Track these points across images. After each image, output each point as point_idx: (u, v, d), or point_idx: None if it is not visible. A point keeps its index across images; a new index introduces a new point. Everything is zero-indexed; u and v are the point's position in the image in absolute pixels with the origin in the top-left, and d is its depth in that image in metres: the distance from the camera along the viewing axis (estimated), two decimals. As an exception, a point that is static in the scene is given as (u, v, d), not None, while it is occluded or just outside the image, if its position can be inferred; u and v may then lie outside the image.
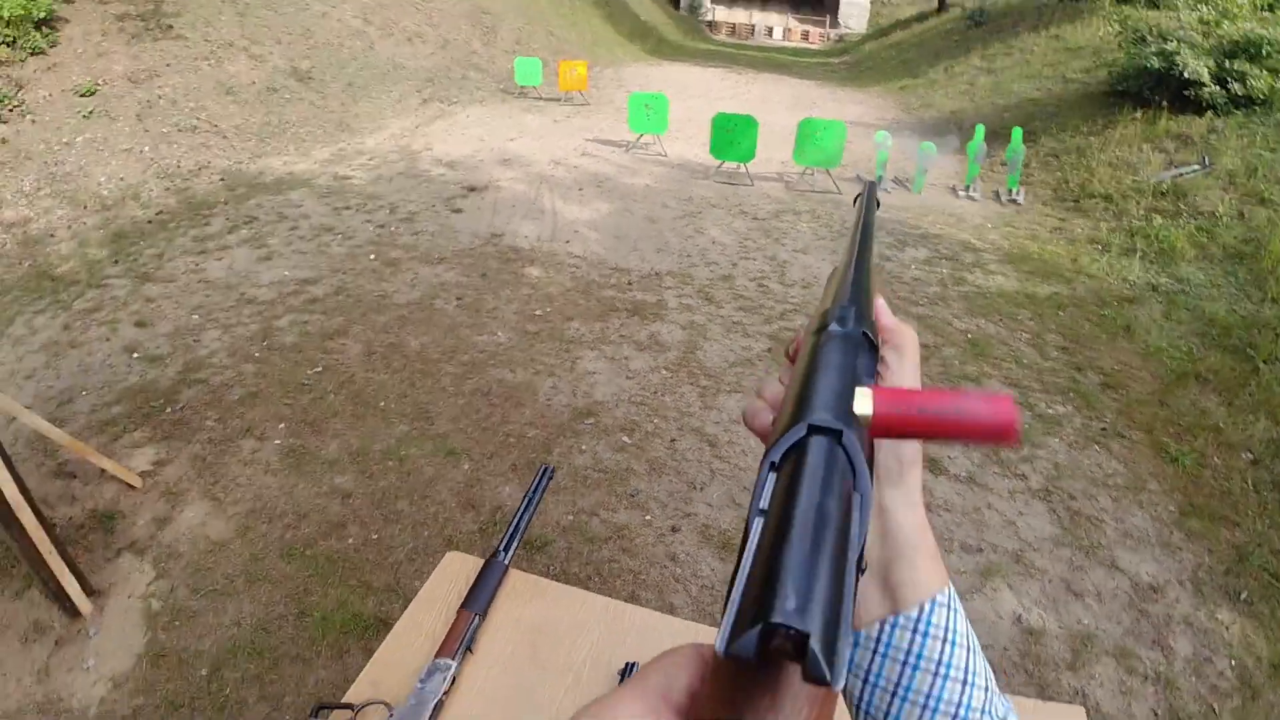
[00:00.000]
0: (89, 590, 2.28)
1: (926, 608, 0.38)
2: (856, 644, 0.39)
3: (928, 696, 0.37)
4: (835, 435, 0.25)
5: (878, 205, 0.57)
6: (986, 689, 0.39)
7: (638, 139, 8.70)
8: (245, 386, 3.42)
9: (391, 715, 0.98)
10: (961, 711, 0.37)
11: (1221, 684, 2.43)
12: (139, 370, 3.52)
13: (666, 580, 2.53)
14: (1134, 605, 2.69)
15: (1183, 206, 6.51)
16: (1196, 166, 7.11)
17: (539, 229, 5.74)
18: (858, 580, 0.23)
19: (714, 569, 2.60)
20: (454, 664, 1.04)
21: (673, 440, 3.30)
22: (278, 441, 3.06)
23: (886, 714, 0.38)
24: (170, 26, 7.72)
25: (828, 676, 0.18)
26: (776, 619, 0.18)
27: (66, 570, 2.17)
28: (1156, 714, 2.30)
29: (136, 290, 4.29)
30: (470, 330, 4.08)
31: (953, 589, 0.40)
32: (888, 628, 0.38)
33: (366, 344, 3.85)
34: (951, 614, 0.39)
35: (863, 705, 0.39)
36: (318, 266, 4.71)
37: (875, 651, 0.38)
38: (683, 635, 1.14)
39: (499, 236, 5.50)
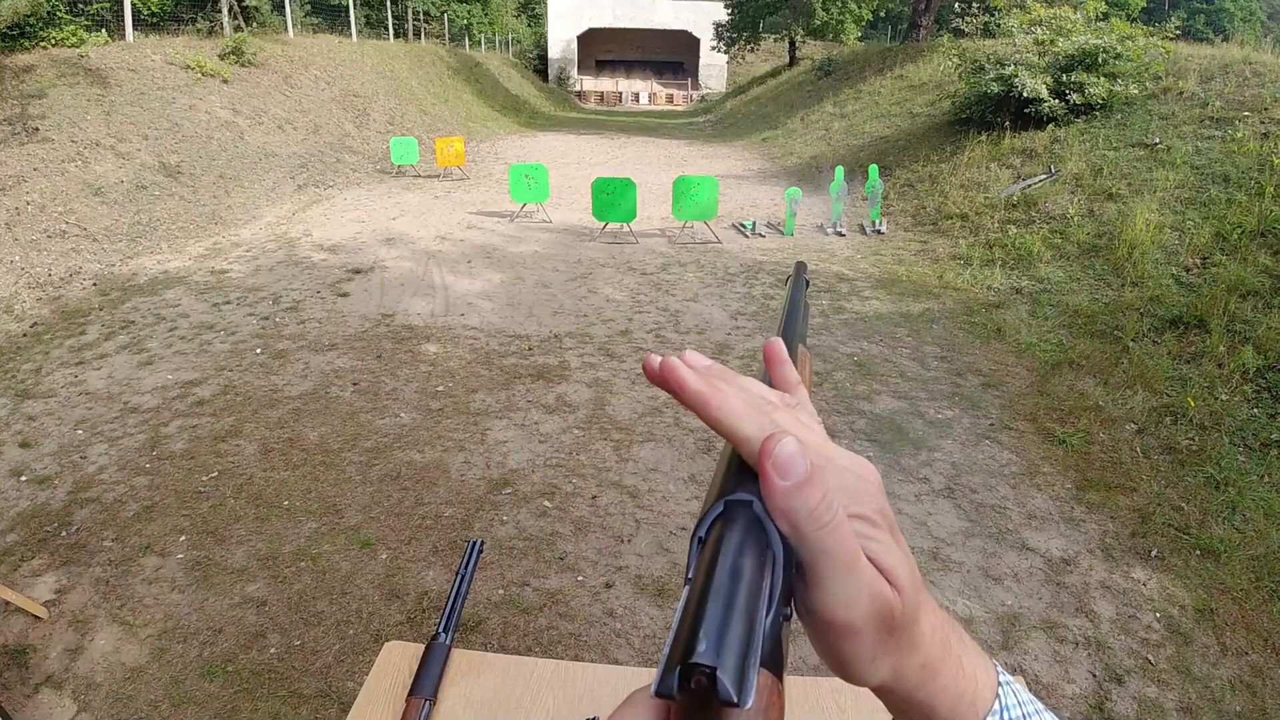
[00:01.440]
0: (13, 733, 2.10)
1: (1001, 696, 0.36)
2: None
3: None
4: (747, 505, 0.28)
5: (807, 285, 0.59)
6: None
7: (521, 208, 8.82)
8: (139, 501, 3.17)
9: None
10: None
11: (1151, 636, 2.61)
12: (28, 494, 3.22)
13: (608, 637, 2.50)
14: (1051, 580, 2.87)
15: (1035, 214, 7.20)
16: (1043, 176, 7.87)
17: (431, 305, 5.68)
18: (782, 622, 0.27)
19: (653, 617, 2.60)
20: (408, 754, 1.01)
21: (594, 497, 3.29)
22: (180, 555, 2.85)
23: None
24: (36, 129, 7.33)
25: (734, 698, 0.22)
26: (692, 660, 0.22)
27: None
28: (1094, 675, 2.44)
29: (17, 409, 3.94)
30: (371, 415, 3.96)
31: (1000, 669, 0.38)
32: None
33: (262, 442, 3.66)
34: (1012, 689, 0.37)
35: None
36: (201, 367, 4.47)
37: None
38: (635, 682, 1.15)
39: (390, 316, 5.40)
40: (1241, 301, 4.70)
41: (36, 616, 2.51)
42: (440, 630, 1.22)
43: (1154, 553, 3.03)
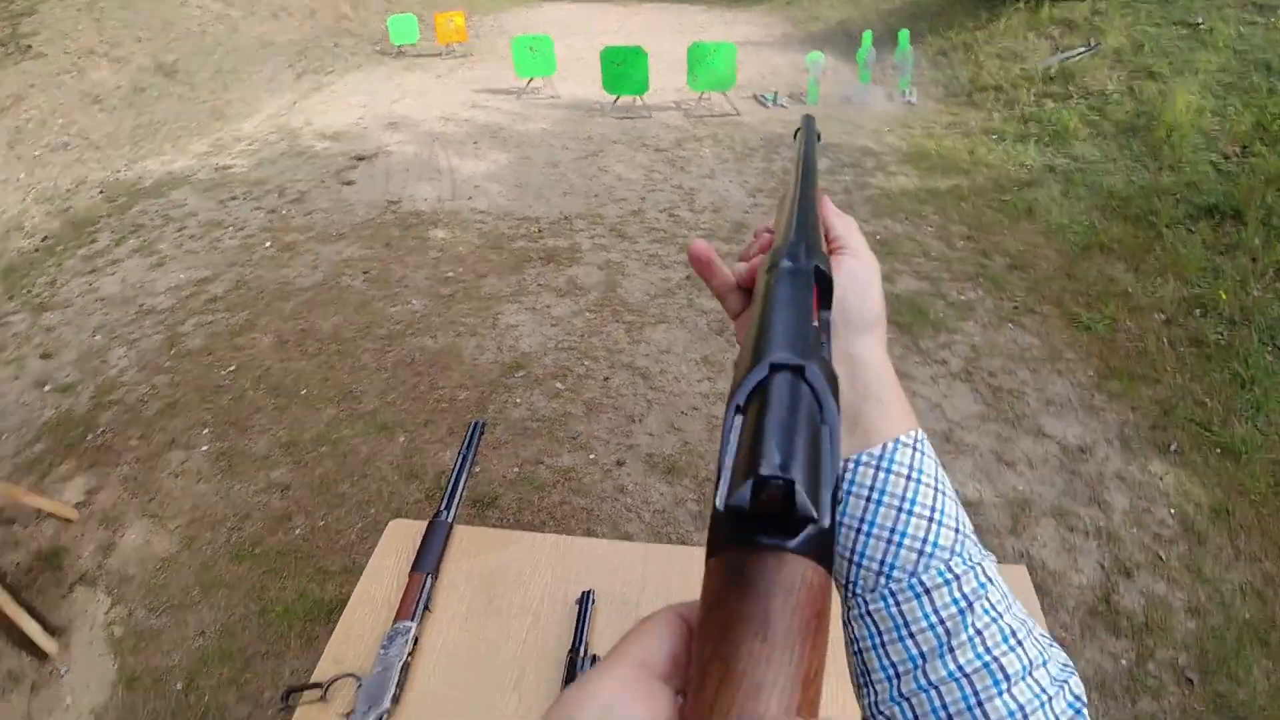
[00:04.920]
0: (51, 630, 2.25)
1: (890, 445, 0.38)
2: None
3: (891, 531, 0.37)
4: (798, 371, 0.25)
5: (818, 138, 0.56)
6: (958, 531, 0.38)
7: (527, 84, 8.42)
8: (161, 399, 3.24)
9: (360, 685, 0.97)
10: (927, 548, 0.37)
11: (1164, 531, 2.59)
12: (53, 402, 3.30)
13: (619, 512, 2.57)
14: (1065, 468, 2.84)
15: (1072, 89, 6.75)
16: (1083, 49, 7.34)
17: (438, 189, 5.54)
18: (835, 502, 0.24)
19: (663, 494, 2.65)
20: (413, 625, 1.03)
21: (605, 379, 3.30)
22: (205, 448, 2.93)
23: (853, 550, 0.38)
24: (29, 46, 7.15)
25: (814, 513, 0.20)
26: (764, 471, 0.21)
27: (25, 615, 2.16)
28: (1103, 566, 2.44)
29: (35, 322, 3.99)
30: (383, 303, 3.94)
31: (923, 435, 0.40)
32: (852, 464, 0.38)
33: (277, 334, 3.68)
34: (919, 455, 0.39)
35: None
36: (213, 264, 4.45)
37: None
38: (628, 556, 1.16)
39: (397, 203, 5.28)
40: (1279, 195, 4.41)
41: (67, 519, 2.61)
42: (442, 508, 1.23)
43: (1173, 447, 2.97)
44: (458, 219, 4.99)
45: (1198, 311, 3.82)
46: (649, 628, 0.24)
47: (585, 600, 1.05)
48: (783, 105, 7.77)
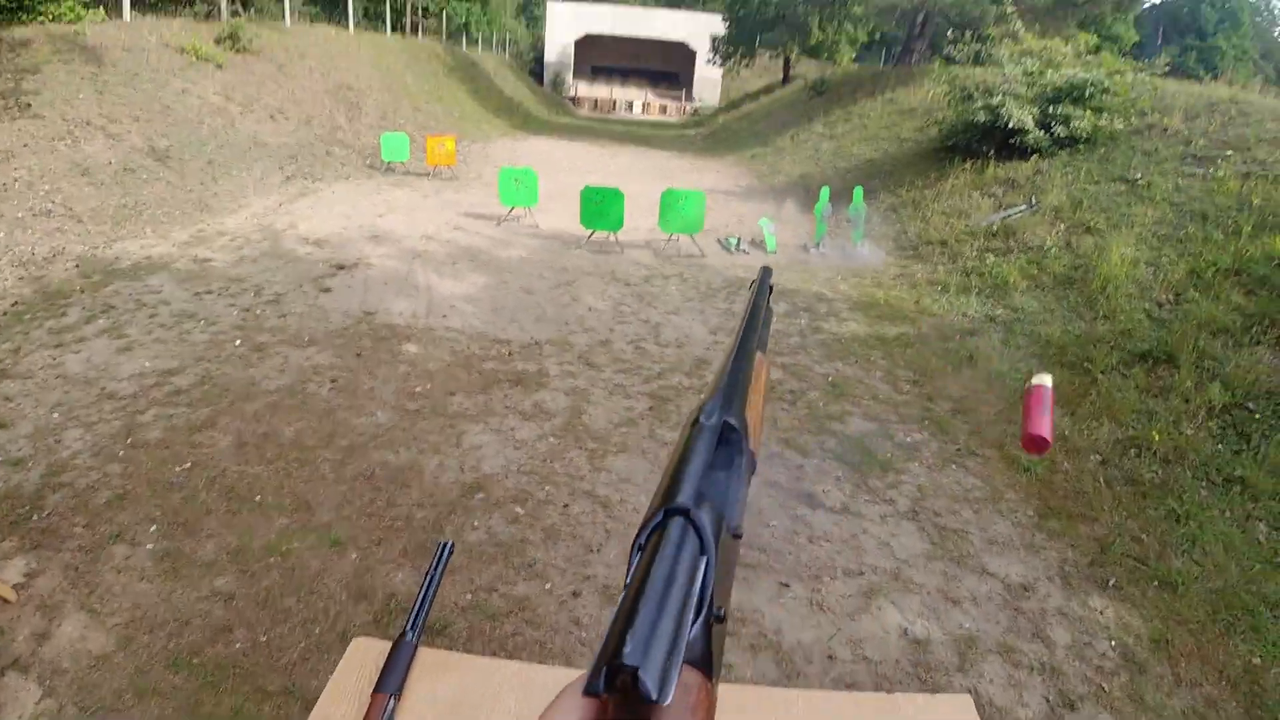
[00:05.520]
0: (-23, 714, 2.10)
1: None
2: None
3: None
4: (685, 513, 0.31)
5: (770, 290, 0.59)
6: None
7: (509, 212, 8.85)
8: (112, 488, 3.17)
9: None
10: None
11: (1106, 664, 2.68)
12: (2, 475, 3.20)
13: (572, 645, 2.54)
14: (1009, 604, 2.94)
15: (1013, 244, 7.34)
16: (1024, 207, 8.03)
17: (414, 305, 5.70)
18: (711, 624, 0.30)
19: (616, 630, 2.63)
20: (371, 752, 1.04)
21: (565, 506, 3.33)
22: (150, 545, 2.85)
23: None
24: (29, 105, 7.29)
25: (654, 695, 0.24)
26: (618, 661, 0.24)
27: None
28: (1048, 700, 2.50)
29: None
30: (348, 413, 3.97)
31: None
32: None
33: (237, 435, 3.66)
34: None
35: None
36: (180, 356, 4.46)
37: None
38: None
39: (372, 315, 5.41)
40: (1212, 338, 4.80)
41: (5, 599, 2.51)
42: (408, 628, 1.26)
43: (1112, 582, 3.11)
44: (431, 335, 5.12)
45: (1132, 452, 4.06)
46: (556, 708, 0.27)
47: (544, 733, 1.08)
48: (744, 251, 8.31)
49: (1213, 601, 3.01)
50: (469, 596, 2.72)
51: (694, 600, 0.28)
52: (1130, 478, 3.86)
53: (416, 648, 1.23)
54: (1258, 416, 4.11)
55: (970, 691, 2.48)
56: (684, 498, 0.32)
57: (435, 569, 1.34)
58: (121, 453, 3.44)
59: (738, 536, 0.37)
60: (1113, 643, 2.79)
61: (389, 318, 5.38)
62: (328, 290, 5.84)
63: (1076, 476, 3.90)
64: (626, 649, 0.25)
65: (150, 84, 8.97)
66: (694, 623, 0.28)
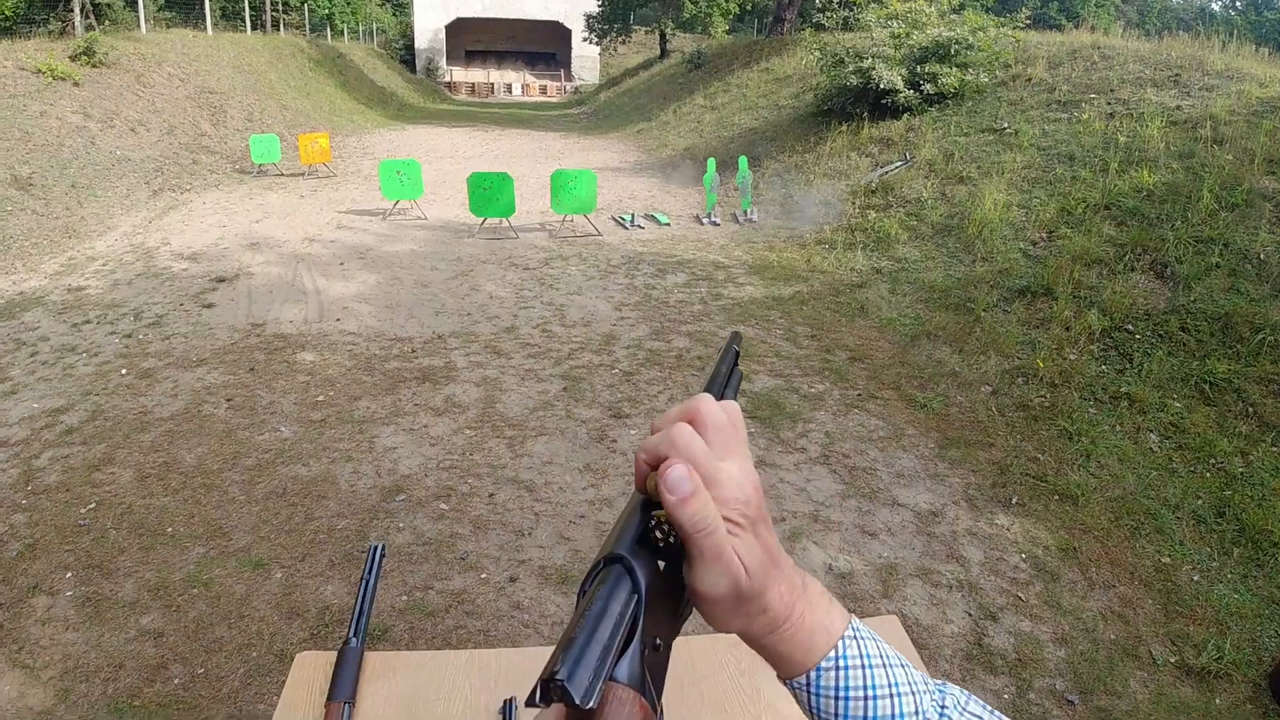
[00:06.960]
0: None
1: (839, 647, 0.42)
2: (796, 689, 0.44)
3: (864, 719, 0.42)
4: (620, 559, 0.36)
5: (737, 355, 0.58)
6: (914, 693, 0.43)
7: (394, 206, 8.57)
8: (20, 539, 2.92)
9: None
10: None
11: (1019, 575, 2.92)
12: None
13: (516, 629, 2.56)
14: (922, 531, 3.17)
15: (892, 199, 7.69)
16: (900, 163, 8.41)
17: (304, 311, 5.46)
18: (648, 652, 0.35)
19: (559, 605, 2.67)
20: (333, 758, 1.04)
21: (491, 495, 3.32)
22: (70, 592, 2.66)
23: None
24: None
25: (576, 700, 0.28)
26: (550, 675, 0.29)
27: None
28: (970, 614, 2.71)
29: None
30: (249, 431, 3.79)
31: (856, 620, 0.45)
32: (814, 674, 0.42)
33: (137, 468, 3.43)
34: (862, 642, 0.43)
35: None
36: (67, 392, 4.12)
37: (811, 693, 0.42)
38: (544, 662, 1.22)
39: (260, 326, 5.15)
40: (1086, 269, 5.18)
41: None
42: (351, 635, 1.25)
43: (1014, 500, 3.38)
44: (326, 341, 4.92)
45: (1020, 380, 4.41)
46: None
47: (508, 708, 1.10)
48: (640, 226, 8.38)
49: (1114, 509, 3.32)
50: (404, 598, 2.68)
51: (622, 629, 0.33)
52: (1021, 404, 4.19)
53: (363, 652, 1.22)
54: (1138, 337, 4.51)
55: (896, 614, 2.66)
56: (620, 548, 0.36)
57: (370, 572, 1.33)
58: (24, 501, 3.18)
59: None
60: (1023, 555, 3.04)
61: (279, 327, 5.14)
62: (210, 306, 5.50)
63: (970, 408, 4.20)
64: (558, 667, 0.29)
65: (8, 110, 8.29)
66: (628, 649, 0.33)
